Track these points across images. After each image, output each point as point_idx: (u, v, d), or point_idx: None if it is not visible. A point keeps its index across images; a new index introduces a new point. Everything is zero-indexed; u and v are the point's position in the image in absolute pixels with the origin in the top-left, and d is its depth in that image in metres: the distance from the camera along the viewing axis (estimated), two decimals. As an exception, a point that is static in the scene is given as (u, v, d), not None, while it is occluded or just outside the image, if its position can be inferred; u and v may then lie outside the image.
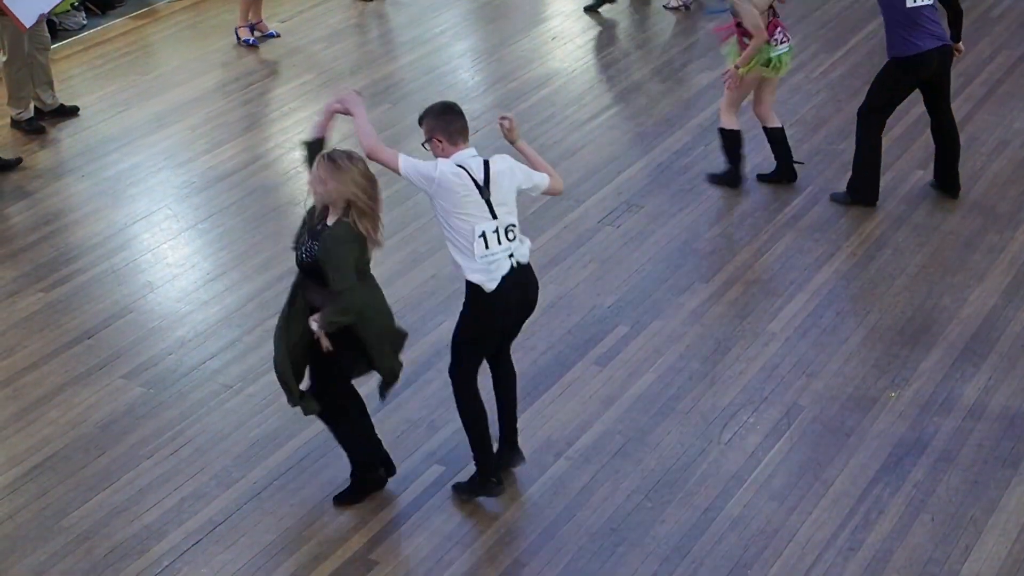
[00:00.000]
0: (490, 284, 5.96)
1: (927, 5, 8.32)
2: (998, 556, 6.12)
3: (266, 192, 9.44)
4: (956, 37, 8.68)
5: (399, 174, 6.03)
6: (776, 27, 8.75)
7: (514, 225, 6.01)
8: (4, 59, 10.07)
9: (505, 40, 11.90)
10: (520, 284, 6.07)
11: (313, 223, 6.05)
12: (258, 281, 8.38)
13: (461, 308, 6.21)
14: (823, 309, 7.94)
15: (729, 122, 9.01)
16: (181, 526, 6.43)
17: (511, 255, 6.00)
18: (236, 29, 11.83)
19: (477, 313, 6.12)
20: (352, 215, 5.92)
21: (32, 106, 10.37)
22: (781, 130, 9.14)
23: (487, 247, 5.92)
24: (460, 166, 5.92)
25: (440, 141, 5.97)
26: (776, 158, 9.19)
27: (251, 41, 11.76)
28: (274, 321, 7.89)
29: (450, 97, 10.69)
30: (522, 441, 6.88)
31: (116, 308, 8.15)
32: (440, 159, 5.97)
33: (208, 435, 7.04)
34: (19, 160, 9.85)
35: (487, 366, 6.44)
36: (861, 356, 7.51)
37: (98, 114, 10.64)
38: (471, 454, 6.42)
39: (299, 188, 9.47)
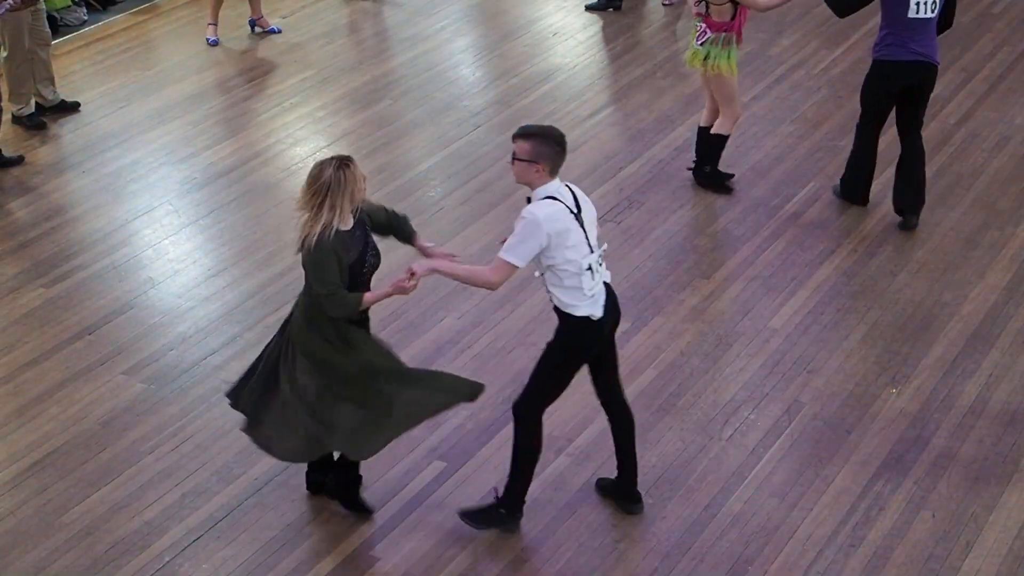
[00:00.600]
0: (597, 313, 5.85)
1: (927, 19, 8.10)
2: (999, 553, 6.12)
3: (267, 188, 9.44)
4: None
5: (517, 269, 5.75)
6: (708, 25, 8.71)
7: (603, 252, 5.91)
8: (4, 55, 10.06)
9: (506, 36, 11.89)
10: (614, 306, 5.97)
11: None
12: (259, 277, 8.38)
13: (552, 341, 5.97)
14: (824, 306, 7.94)
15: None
16: (182, 522, 6.43)
17: (604, 281, 5.92)
18: (208, 25, 11.82)
19: (578, 343, 5.94)
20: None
21: (33, 102, 10.37)
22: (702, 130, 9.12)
23: (593, 279, 5.80)
24: (552, 197, 5.73)
25: (541, 170, 5.71)
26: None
27: (213, 40, 11.73)
28: (276, 317, 7.94)
29: (451, 93, 10.77)
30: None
31: (117, 304, 8.16)
32: (533, 206, 5.71)
33: (209, 431, 7.04)
34: (21, 158, 9.84)
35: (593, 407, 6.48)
36: (862, 353, 7.51)
37: (99, 110, 10.63)
38: (512, 481, 6.18)
39: (300, 183, 9.42)
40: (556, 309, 5.90)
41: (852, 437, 6.87)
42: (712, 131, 9.01)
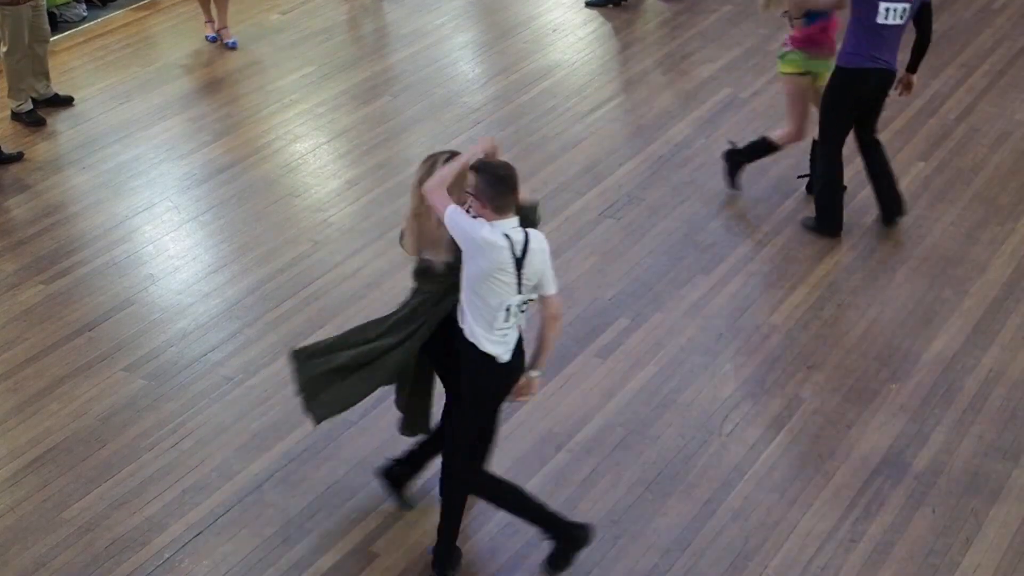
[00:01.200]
0: (505, 356, 5.70)
1: (895, 26, 7.92)
2: (999, 548, 6.13)
3: (267, 184, 9.44)
4: (912, 66, 8.29)
5: (441, 219, 5.62)
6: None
7: (530, 300, 5.73)
8: (4, 49, 10.05)
9: (506, 32, 11.88)
10: (523, 351, 5.82)
11: None
12: (259, 273, 8.38)
13: (462, 384, 5.81)
14: (824, 301, 7.94)
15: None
16: (182, 518, 6.43)
17: (519, 325, 5.77)
18: (205, 23, 11.77)
19: (484, 381, 5.79)
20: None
21: (30, 98, 10.36)
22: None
23: (507, 320, 5.66)
24: (506, 235, 5.55)
25: (484, 207, 5.56)
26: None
27: (212, 37, 11.69)
28: (276, 313, 7.96)
29: (451, 89, 10.77)
30: (523, 434, 6.90)
31: (117, 300, 8.16)
32: (489, 224, 5.56)
33: (209, 427, 7.04)
34: (20, 155, 9.84)
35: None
36: (862, 348, 7.52)
37: (99, 106, 10.63)
38: (536, 523, 6.03)
39: (300, 180, 9.48)
40: (463, 340, 5.71)
41: (852, 433, 6.87)
42: (768, 137, 8.85)
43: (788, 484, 6.54)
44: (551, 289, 5.75)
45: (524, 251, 5.58)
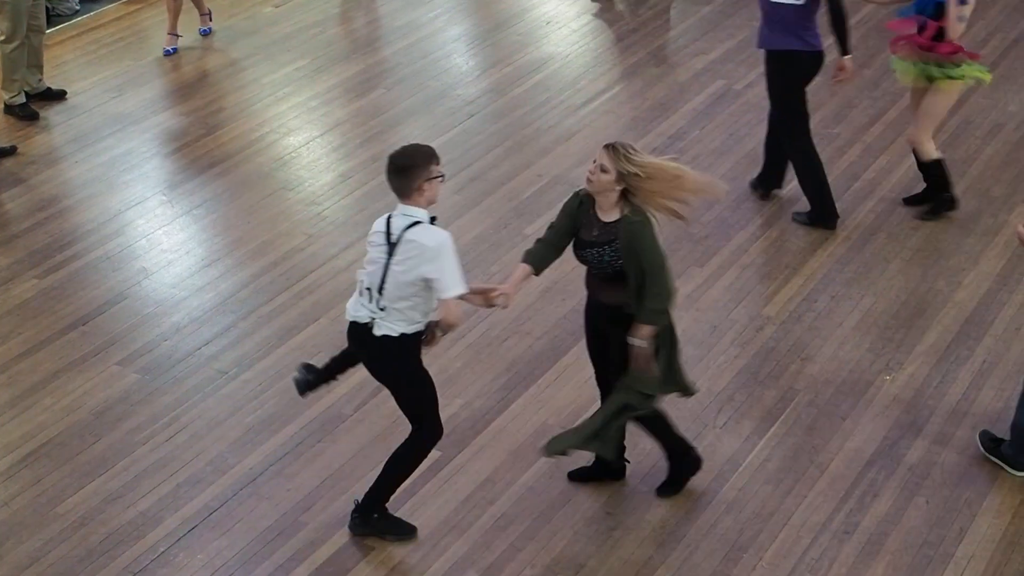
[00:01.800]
0: (347, 315, 5.89)
1: (789, 6, 7.82)
2: (992, 538, 6.14)
3: (261, 178, 9.43)
4: (842, 49, 8.03)
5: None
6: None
7: (384, 310, 5.71)
8: (2, 38, 10.01)
9: (500, 25, 11.87)
10: (364, 345, 5.88)
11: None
12: (253, 267, 8.38)
13: None
14: (818, 293, 7.94)
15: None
16: (177, 512, 6.43)
17: (373, 318, 5.75)
18: (200, 16, 11.71)
19: None
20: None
21: (23, 91, 10.33)
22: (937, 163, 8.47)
23: (359, 295, 5.81)
24: (388, 218, 5.75)
25: None
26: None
27: (205, 31, 11.66)
28: (270, 307, 7.95)
29: (445, 82, 10.76)
30: (518, 426, 6.90)
31: (111, 294, 8.15)
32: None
33: (203, 421, 7.04)
34: (13, 148, 9.82)
35: None
36: (856, 340, 7.52)
37: (92, 100, 10.61)
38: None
39: (293, 173, 9.47)
40: None
41: (846, 424, 6.88)
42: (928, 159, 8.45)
43: (782, 476, 6.54)
44: (444, 292, 5.67)
45: (400, 237, 5.67)
